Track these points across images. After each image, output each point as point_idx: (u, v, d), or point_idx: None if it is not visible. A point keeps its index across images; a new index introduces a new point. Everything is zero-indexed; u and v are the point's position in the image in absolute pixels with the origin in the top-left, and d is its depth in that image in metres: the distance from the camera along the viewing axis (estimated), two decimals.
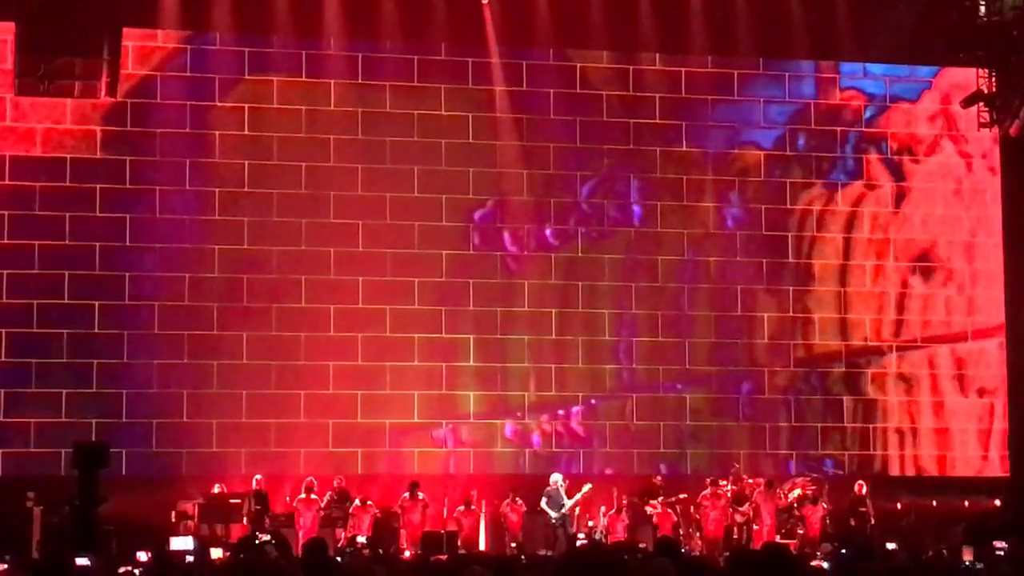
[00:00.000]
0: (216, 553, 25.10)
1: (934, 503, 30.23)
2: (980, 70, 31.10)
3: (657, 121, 30.96)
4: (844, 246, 31.52)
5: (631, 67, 30.96)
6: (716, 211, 31.13)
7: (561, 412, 30.22)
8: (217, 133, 29.33)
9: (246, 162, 29.31)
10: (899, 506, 30.00)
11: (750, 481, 29.22)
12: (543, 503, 28.02)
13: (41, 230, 28.30)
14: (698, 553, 27.04)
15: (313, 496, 27.59)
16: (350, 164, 29.66)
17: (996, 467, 31.55)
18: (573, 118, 30.59)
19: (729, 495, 28.81)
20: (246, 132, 29.42)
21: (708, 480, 28.89)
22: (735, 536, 28.61)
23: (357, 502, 27.79)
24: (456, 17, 29.85)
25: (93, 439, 26.34)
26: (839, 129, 31.86)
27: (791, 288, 31.20)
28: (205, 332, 28.76)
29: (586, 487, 28.13)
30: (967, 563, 23.39)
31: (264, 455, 28.59)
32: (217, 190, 29.16)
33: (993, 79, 30.91)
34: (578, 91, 30.69)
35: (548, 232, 30.55)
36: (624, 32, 30.48)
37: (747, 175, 31.29)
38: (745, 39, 30.84)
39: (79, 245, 28.42)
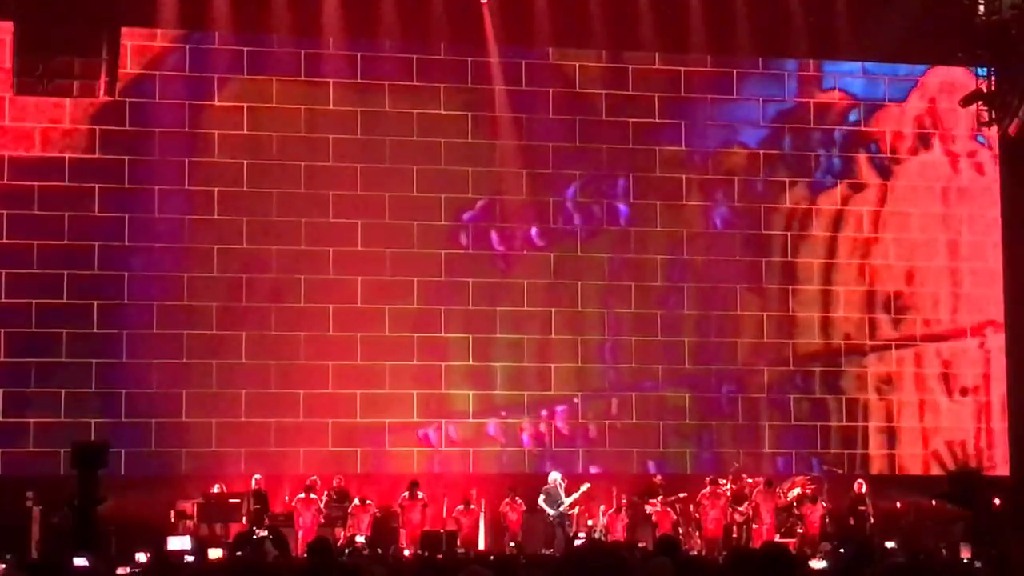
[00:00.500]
0: (214, 553, 25.10)
1: (933, 502, 30.19)
2: (970, 69, 31.12)
3: (644, 120, 30.90)
4: (830, 245, 31.46)
5: (620, 66, 30.89)
6: (703, 210, 31.07)
7: (560, 409, 30.18)
8: (216, 132, 29.32)
9: (245, 161, 29.31)
10: (899, 505, 29.98)
11: (749, 480, 29.21)
12: (541, 500, 28.04)
13: (40, 230, 28.29)
14: (697, 552, 27.04)
15: (312, 496, 27.58)
16: (349, 164, 29.65)
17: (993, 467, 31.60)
18: (559, 118, 30.56)
19: (728, 494, 28.81)
20: (245, 131, 29.41)
21: (708, 479, 28.89)
22: (734, 535, 28.62)
23: (356, 501, 27.79)
24: (455, 17, 29.83)
25: (92, 439, 26.33)
26: (825, 128, 31.81)
27: (781, 287, 31.14)
28: (204, 332, 28.75)
29: (584, 486, 28.16)
30: (966, 561, 23.41)
31: (263, 455, 28.58)
32: (216, 189, 29.15)
33: (992, 78, 30.89)
34: (565, 90, 30.65)
35: (541, 230, 30.51)
36: (612, 32, 30.43)
37: (733, 175, 31.23)
38: (743, 38, 30.85)
39: (78, 245, 28.41)
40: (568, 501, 28.03)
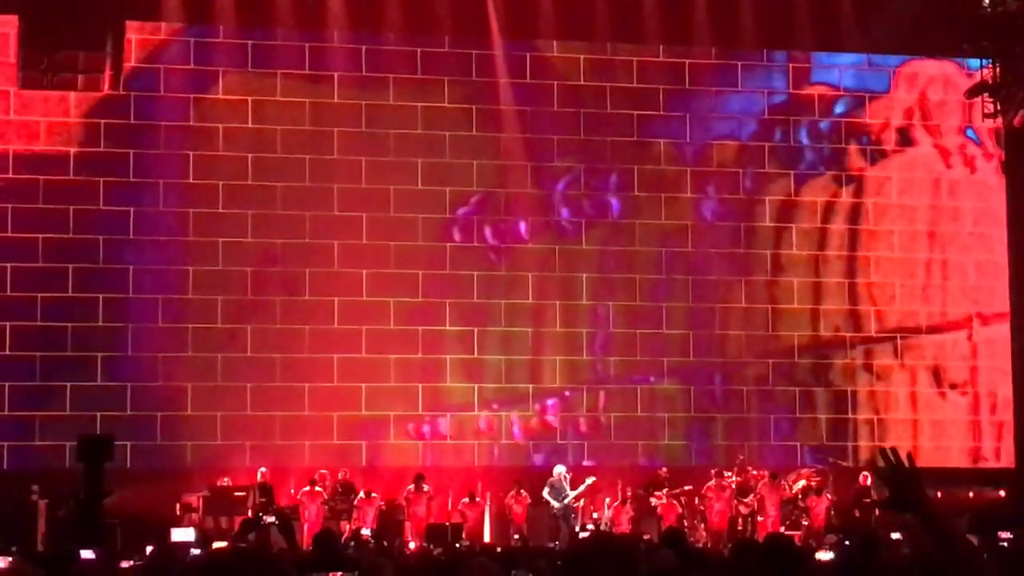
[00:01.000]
0: (218, 546, 25.12)
1: (938, 494, 30.18)
2: (958, 61, 31.13)
3: (645, 113, 30.91)
4: (820, 237, 31.45)
5: (607, 59, 30.89)
6: (694, 203, 31.05)
7: (553, 402, 30.19)
8: (220, 126, 29.33)
9: (249, 155, 29.31)
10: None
11: (754, 472, 29.23)
12: (545, 493, 28.07)
13: (45, 223, 28.31)
14: (703, 544, 27.05)
15: (318, 488, 27.61)
16: (354, 157, 29.66)
17: (990, 459, 31.61)
18: (564, 110, 30.58)
19: (733, 486, 28.82)
20: (249, 125, 29.41)
21: (712, 472, 28.90)
22: (739, 527, 28.63)
23: (362, 494, 27.82)
24: (459, 9, 29.82)
25: (98, 432, 26.36)
26: (815, 120, 31.77)
27: (786, 278, 31.17)
28: (209, 325, 28.77)
29: (589, 479, 28.19)
30: None
31: (268, 448, 28.61)
32: (221, 183, 29.16)
33: (997, 70, 30.87)
34: (567, 83, 30.69)
35: (544, 222, 30.54)
36: (609, 24, 30.43)
37: (729, 167, 31.20)
38: (746, 30, 30.83)
39: (83, 238, 28.44)
40: (573, 494, 28.05)
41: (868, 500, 28.73)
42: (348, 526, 27.53)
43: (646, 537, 25.88)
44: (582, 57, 30.82)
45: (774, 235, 31.28)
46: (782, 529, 27.64)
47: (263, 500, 26.90)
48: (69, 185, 28.54)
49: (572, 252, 30.47)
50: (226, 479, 27.72)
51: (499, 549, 23.71)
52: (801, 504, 29.10)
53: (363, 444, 29.29)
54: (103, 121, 28.81)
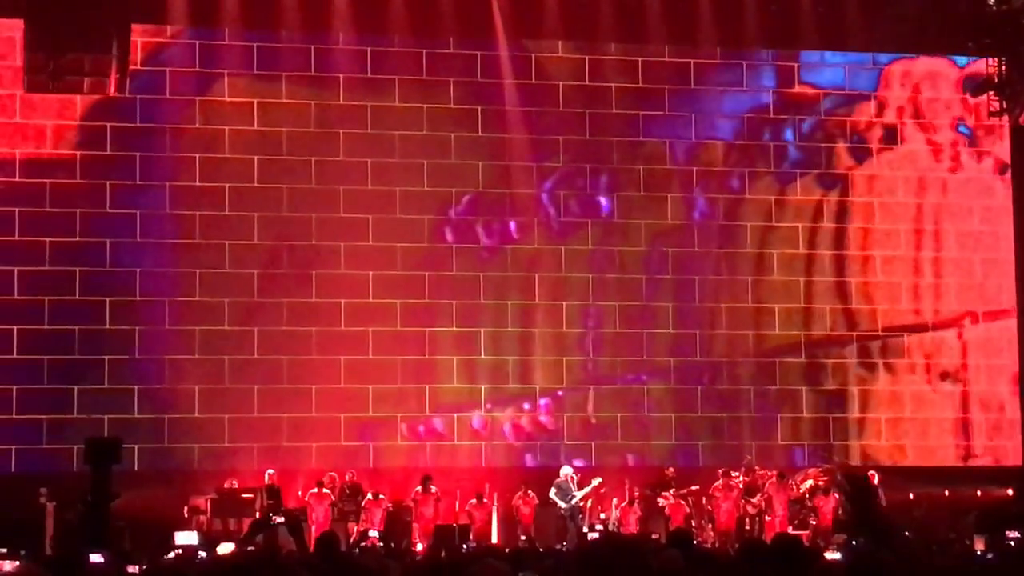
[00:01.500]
0: (224, 548, 25.17)
1: (946, 492, 30.20)
2: (950, 57, 31.20)
3: (625, 112, 30.91)
4: (810, 236, 31.44)
5: (581, 58, 30.92)
6: (685, 202, 31.05)
7: (545, 402, 30.21)
8: (226, 128, 29.35)
9: (255, 157, 29.33)
10: (911, 496, 29.95)
11: (762, 472, 29.21)
12: (552, 493, 28.07)
13: (51, 227, 28.34)
14: (711, 545, 27.05)
15: (325, 490, 27.62)
16: (359, 158, 29.68)
17: (981, 456, 31.59)
18: (570, 111, 30.61)
19: (741, 486, 28.81)
20: (255, 127, 29.44)
21: (720, 472, 28.90)
22: (747, 527, 28.62)
23: (369, 496, 27.82)
24: (464, 10, 29.82)
25: (105, 435, 26.41)
26: (801, 118, 31.79)
27: (767, 278, 31.19)
28: (216, 327, 28.79)
29: (596, 480, 28.19)
30: (979, 552, 23.41)
31: (276, 450, 28.64)
32: (227, 185, 29.18)
33: (1003, 67, 30.86)
34: (574, 83, 30.75)
35: (551, 222, 30.56)
36: (605, 25, 30.46)
37: (712, 165, 31.21)
38: (750, 30, 30.84)
39: (89, 241, 28.48)
40: (580, 495, 28.06)
41: (876, 499, 28.71)
42: (356, 528, 27.54)
43: (654, 536, 25.92)
44: (587, 58, 30.80)
45: (778, 234, 31.27)
46: (790, 529, 27.63)
47: (271, 502, 26.89)
48: (75, 188, 28.57)
49: (579, 252, 30.47)
50: (234, 481, 27.75)
51: (507, 550, 23.69)
52: (809, 504, 29.07)
53: (370, 446, 29.31)
54: (109, 124, 28.84)
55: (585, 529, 27.79)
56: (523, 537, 27.87)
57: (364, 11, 29.52)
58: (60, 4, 27.75)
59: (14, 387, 27.95)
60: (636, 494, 28.69)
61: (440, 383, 29.70)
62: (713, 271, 30.90)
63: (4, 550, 24.72)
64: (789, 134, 31.74)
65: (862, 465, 30.16)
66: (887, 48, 31.86)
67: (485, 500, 28.33)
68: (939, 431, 31.57)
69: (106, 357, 28.33)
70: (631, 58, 30.96)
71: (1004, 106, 30.81)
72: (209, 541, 26.05)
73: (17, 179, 28.43)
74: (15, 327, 28.08)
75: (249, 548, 25.18)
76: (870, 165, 31.85)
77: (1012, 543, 24.35)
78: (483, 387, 29.91)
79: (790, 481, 29.14)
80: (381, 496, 27.85)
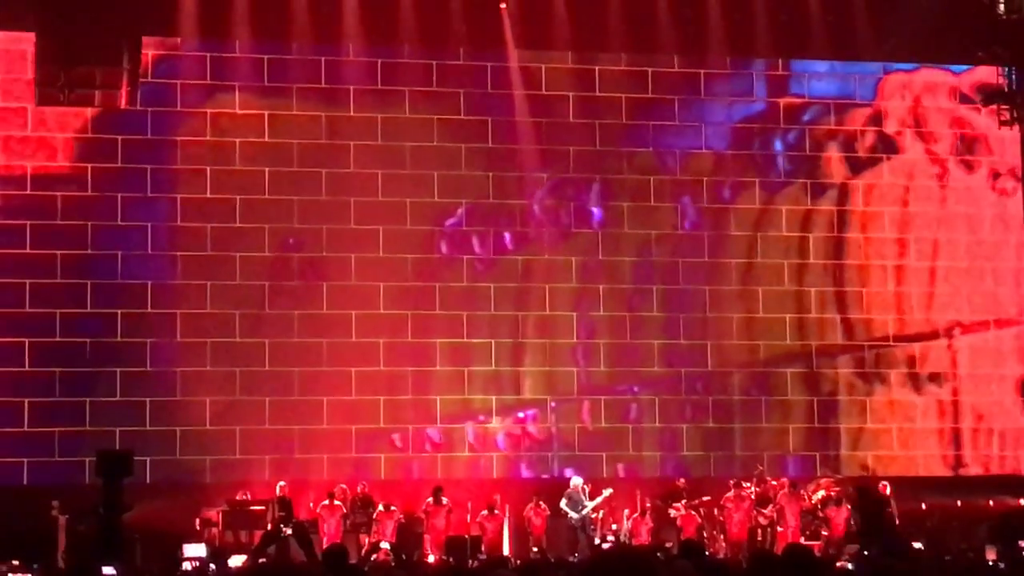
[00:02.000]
0: (235, 561, 25.19)
1: (959, 503, 30.14)
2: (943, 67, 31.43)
3: (633, 122, 30.96)
4: (800, 245, 31.42)
5: (595, 70, 30.99)
6: (693, 211, 31.05)
7: (542, 411, 30.20)
8: (237, 140, 29.39)
9: (266, 169, 29.37)
10: (924, 507, 29.89)
11: (774, 483, 29.16)
12: (563, 504, 28.06)
13: (63, 239, 28.39)
14: (722, 555, 27.01)
15: (336, 502, 27.60)
16: (370, 170, 29.70)
17: (973, 467, 31.55)
18: (580, 121, 30.63)
19: (753, 497, 28.76)
20: (266, 139, 29.47)
21: (732, 482, 28.86)
22: (759, 538, 28.56)
23: (381, 507, 27.79)
24: (474, 22, 29.85)
25: (117, 447, 26.43)
26: (798, 128, 31.75)
27: (794, 288, 31.20)
28: (227, 339, 28.81)
29: (607, 491, 28.17)
30: (991, 563, 23.36)
31: (287, 462, 28.65)
32: (238, 197, 29.21)
33: (1013, 76, 30.84)
34: (585, 94, 30.77)
35: (563, 233, 30.57)
36: (628, 36, 30.47)
37: (712, 175, 31.19)
38: (761, 40, 30.84)
39: (101, 254, 28.53)
40: (591, 505, 28.03)
41: (888, 510, 28.67)
42: (367, 539, 27.52)
43: (668, 545, 25.91)
44: (597, 68, 30.81)
45: (787, 244, 31.27)
46: (802, 539, 27.58)
47: (282, 514, 26.89)
48: (86, 201, 28.63)
49: (595, 262, 30.49)
50: (245, 493, 27.75)
51: (519, 562, 23.69)
52: (821, 514, 29.01)
53: (382, 457, 29.31)
54: (120, 136, 28.89)
55: (597, 540, 27.75)
56: (535, 549, 27.83)
57: (374, 23, 29.54)
58: (71, 17, 27.79)
59: (26, 400, 27.98)
60: (647, 505, 28.66)
61: (451, 394, 29.70)
62: (723, 281, 30.87)
63: (17, 562, 24.78)
64: (779, 144, 31.67)
65: (873, 476, 30.13)
66: (896, 58, 31.84)
67: (496, 511, 28.29)
68: (947, 441, 31.52)
69: (117, 370, 28.36)
70: (641, 68, 30.95)
71: (1015, 115, 30.76)
72: (220, 553, 26.07)
73: (28, 192, 28.49)
74: (27, 340, 28.12)
75: (260, 560, 25.21)
76: (868, 174, 31.80)
77: None
78: (494, 398, 29.90)
79: (802, 491, 29.07)
80: (393, 508, 27.82)
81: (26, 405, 27.95)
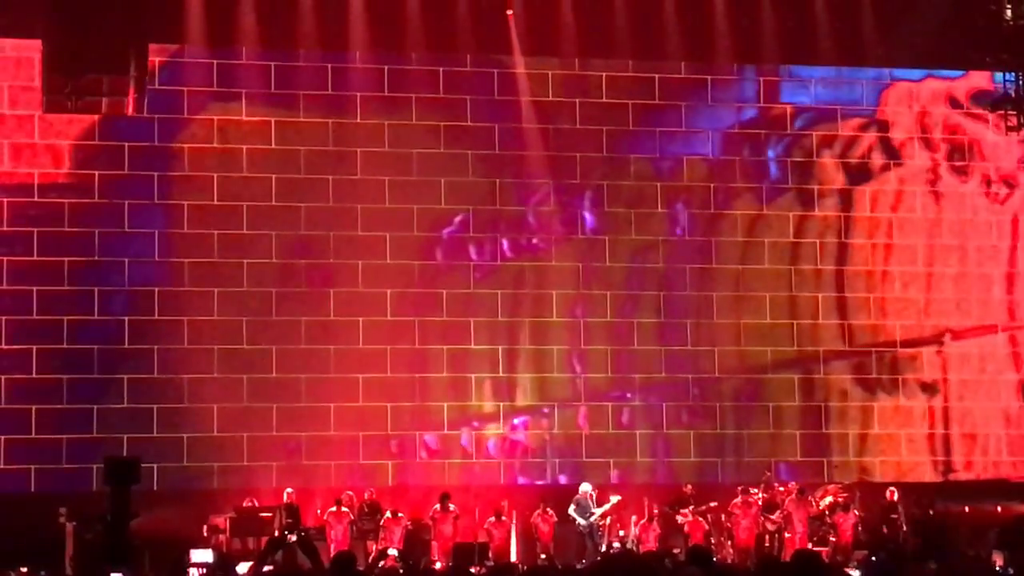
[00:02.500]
0: (243, 567, 25.19)
1: (966, 508, 30.09)
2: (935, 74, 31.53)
3: (642, 128, 30.99)
4: (806, 251, 31.45)
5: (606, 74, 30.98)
6: (695, 218, 31.05)
7: (583, 413, 30.19)
8: (244, 147, 29.41)
9: (273, 176, 29.38)
10: (931, 512, 29.84)
11: (781, 489, 29.15)
12: (571, 510, 28.06)
13: (70, 246, 28.41)
14: (730, 561, 26.98)
15: (344, 509, 27.60)
16: (377, 177, 29.71)
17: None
18: (586, 127, 30.65)
19: (760, 503, 28.74)
20: (273, 146, 29.49)
21: (739, 488, 28.83)
22: (766, 544, 28.53)
23: (388, 514, 27.79)
24: (481, 29, 29.87)
25: (124, 454, 26.40)
26: (795, 135, 31.73)
27: (798, 294, 31.22)
28: (235, 346, 28.82)
29: (615, 498, 28.15)
30: (999, 568, 23.32)
31: (295, 468, 28.65)
32: (245, 204, 29.22)
33: (1020, 83, 30.81)
34: (591, 100, 30.79)
35: (567, 238, 30.59)
36: (634, 42, 30.51)
37: (717, 182, 31.20)
38: (768, 47, 30.86)
39: (108, 261, 28.54)
40: (599, 512, 28.03)
41: (895, 516, 28.66)
42: (375, 546, 27.51)
43: (675, 551, 25.88)
44: (604, 75, 30.82)
45: (791, 250, 31.28)
46: (809, 545, 27.55)
47: (290, 521, 26.90)
48: (94, 208, 28.65)
49: (604, 269, 30.50)
50: (253, 500, 27.76)
51: (525, 568, 23.66)
52: (828, 520, 28.99)
53: (389, 464, 29.31)
54: (127, 144, 28.91)
55: (603, 547, 27.72)
56: (542, 555, 27.81)
57: (381, 30, 29.57)
58: (78, 25, 27.81)
59: (33, 407, 27.99)
60: (655, 511, 28.64)
61: (459, 400, 29.70)
62: (723, 288, 30.90)
63: (24, 569, 24.80)
64: (775, 151, 31.65)
65: (865, 482, 30.14)
66: (902, 64, 31.84)
67: (504, 518, 28.28)
68: (939, 447, 31.51)
69: (125, 376, 28.37)
70: (647, 74, 30.97)
71: (1021, 121, 30.74)
72: (228, 560, 26.06)
73: (36, 199, 28.51)
74: (34, 347, 28.14)
75: (266, 568, 25.21)
76: (869, 181, 31.79)
77: None
78: (501, 404, 29.90)
79: (809, 497, 29.05)
80: (400, 514, 27.83)
81: (33, 412, 27.97)
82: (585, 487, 28.39)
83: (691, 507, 28.63)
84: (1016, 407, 31.84)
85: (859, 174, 31.83)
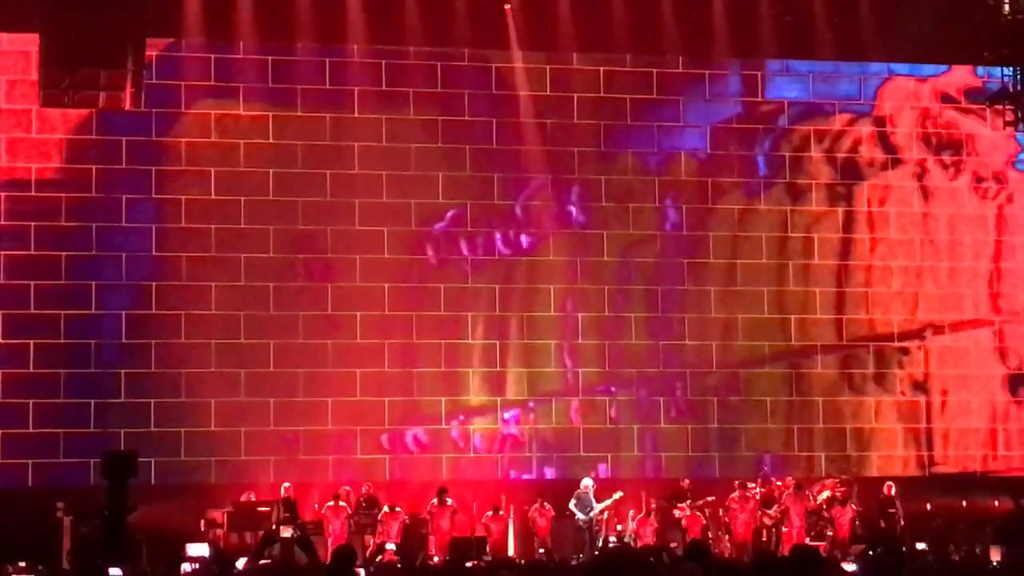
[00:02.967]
0: (242, 562, 25.15)
1: (963, 503, 30.12)
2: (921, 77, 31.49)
3: (628, 123, 30.98)
4: (839, 246, 31.49)
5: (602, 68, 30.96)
6: (691, 212, 31.06)
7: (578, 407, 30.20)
8: (242, 142, 29.38)
9: (271, 170, 29.37)
10: (928, 507, 29.88)
11: (778, 483, 29.16)
12: (572, 505, 28.06)
13: (67, 241, 28.40)
14: (727, 556, 26.99)
15: (341, 503, 27.61)
16: (375, 171, 29.70)
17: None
18: (585, 122, 30.64)
19: (758, 497, 28.76)
20: (270, 140, 29.47)
21: (736, 483, 28.86)
22: (764, 538, 28.56)
23: (385, 508, 27.80)
24: (479, 23, 29.85)
25: (122, 448, 26.40)
26: (787, 129, 31.76)
27: (796, 288, 31.23)
28: (232, 340, 28.81)
29: (617, 494, 28.14)
30: (996, 564, 23.32)
31: (292, 463, 28.65)
32: (242, 199, 29.21)
33: (1019, 77, 30.81)
34: (590, 95, 30.78)
35: (564, 233, 30.58)
36: (604, 36, 30.52)
37: (716, 177, 31.21)
38: (766, 41, 30.86)
39: (105, 255, 28.52)
40: (599, 507, 28.01)
41: (893, 510, 28.68)
42: (372, 540, 27.53)
43: (673, 546, 25.88)
44: (602, 69, 30.82)
45: (786, 244, 31.30)
46: (807, 540, 27.56)
47: (287, 515, 26.90)
48: (91, 202, 28.63)
49: (599, 263, 30.50)
50: (251, 494, 27.75)
51: (523, 562, 23.67)
52: (826, 515, 29.01)
53: (386, 458, 29.31)
54: (124, 138, 28.88)
55: (600, 542, 27.72)
56: (541, 549, 27.82)
57: (378, 24, 29.54)
58: (75, 19, 27.78)
59: (31, 401, 27.98)
60: (652, 506, 28.65)
61: (457, 395, 29.71)
62: (715, 283, 30.92)
63: (22, 564, 24.78)
64: (764, 146, 31.66)
65: (857, 477, 30.16)
66: (899, 59, 31.84)
67: (501, 512, 28.30)
68: (927, 441, 31.54)
69: (122, 371, 28.37)
70: (646, 69, 30.96)
71: (1019, 116, 30.73)
72: (226, 555, 26.04)
73: (33, 193, 28.48)
74: (31, 341, 28.13)
75: (261, 562, 25.19)
76: (864, 176, 31.81)
77: None
78: (499, 399, 29.90)
79: (807, 492, 29.06)
80: (398, 509, 27.84)
81: (31, 406, 27.95)
82: (587, 482, 28.37)
83: (688, 502, 28.65)
84: (1003, 401, 31.82)
85: (854, 169, 31.83)
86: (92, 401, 28.12)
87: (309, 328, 29.09)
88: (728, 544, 28.41)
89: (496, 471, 29.75)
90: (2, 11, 28.33)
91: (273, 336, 28.97)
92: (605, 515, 28.32)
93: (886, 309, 31.59)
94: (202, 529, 27.28)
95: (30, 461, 27.90)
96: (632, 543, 27.53)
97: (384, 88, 29.91)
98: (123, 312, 28.54)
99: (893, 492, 28.94)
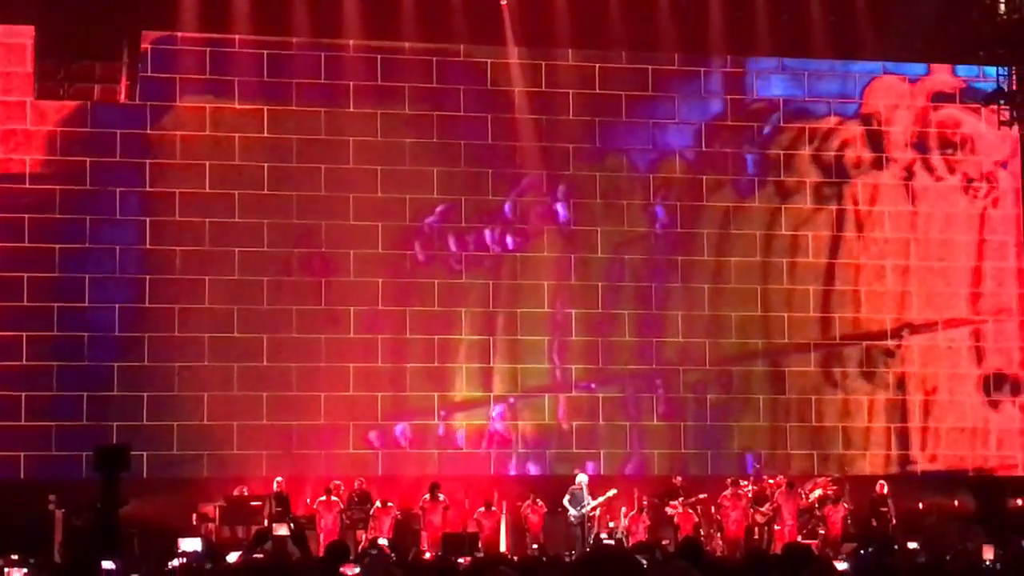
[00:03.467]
0: (233, 557, 25.17)
1: (955, 502, 30.14)
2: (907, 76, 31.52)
3: (633, 120, 30.98)
4: (793, 243, 31.47)
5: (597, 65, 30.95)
6: (679, 210, 31.06)
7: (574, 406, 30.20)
8: (236, 136, 29.36)
9: (265, 164, 29.33)
10: (920, 506, 29.90)
11: (771, 481, 29.17)
12: (565, 500, 28.04)
13: (61, 233, 28.35)
14: (719, 554, 27.00)
15: (334, 498, 27.61)
16: (369, 166, 29.68)
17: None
18: (580, 119, 30.64)
19: (750, 495, 28.77)
20: (265, 134, 29.44)
21: (728, 480, 28.88)
22: (756, 536, 28.57)
23: (378, 504, 27.81)
24: (474, 19, 29.84)
25: (114, 442, 26.38)
26: (781, 127, 31.71)
27: (790, 287, 31.27)
28: (225, 334, 28.78)
29: (611, 492, 28.12)
30: (988, 562, 23.37)
31: (285, 457, 28.63)
32: (237, 192, 29.18)
33: (1014, 77, 30.85)
34: (585, 91, 30.78)
35: (562, 229, 30.58)
36: (600, 32, 30.51)
37: (709, 174, 31.21)
38: (761, 39, 30.87)
39: (99, 248, 28.48)
40: (592, 504, 28.01)
41: (884, 509, 28.69)
42: (364, 535, 27.52)
43: (664, 543, 25.90)
44: (598, 66, 30.82)
45: (790, 243, 31.32)
46: (799, 538, 27.58)
47: (279, 510, 26.91)
48: (85, 195, 28.58)
49: (590, 260, 30.50)
50: (243, 488, 27.75)
51: (515, 558, 23.66)
52: (818, 513, 29.04)
53: (379, 453, 29.29)
54: (119, 131, 28.84)
55: (591, 539, 27.71)
56: (534, 545, 27.83)
57: (374, 19, 29.53)
58: (71, 11, 27.82)
59: (23, 394, 27.95)
60: (644, 503, 28.66)
61: (449, 391, 29.70)
62: (706, 280, 30.95)
63: (14, 556, 24.76)
64: (755, 143, 31.65)
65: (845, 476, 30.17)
66: (895, 58, 31.83)
67: (493, 508, 28.31)
68: (916, 440, 31.58)
69: (115, 364, 28.33)
70: (642, 66, 30.97)
71: (1014, 115, 30.76)
72: (217, 549, 26.05)
73: (27, 185, 28.44)
74: (24, 334, 28.09)
75: (255, 556, 25.20)
76: (858, 174, 31.81)
77: None
78: (492, 395, 29.90)
79: (799, 490, 29.08)
80: (390, 504, 27.85)
81: (23, 399, 27.93)
82: (581, 478, 28.35)
83: (680, 499, 28.66)
84: (980, 400, 31.83)
85: (848, 167, 31.82)
86: (85, 394, 28.09)
87: (302, 322, 29.07)
88: (720, 542, 28.42)
89: (488, 467, 29.75)
90: None
91: (266, 330, 28.94)
92: (597, 512, 28.30)
93: (875, 308, 31.57)
94: (194, 523, 27.27)
95: (22, 454, 27.88)
96: (624, 540, 27.53)
97: (379, 83, 29.88)
98: (116, 305, 28.50)
99: (885, 491, 28.95)
